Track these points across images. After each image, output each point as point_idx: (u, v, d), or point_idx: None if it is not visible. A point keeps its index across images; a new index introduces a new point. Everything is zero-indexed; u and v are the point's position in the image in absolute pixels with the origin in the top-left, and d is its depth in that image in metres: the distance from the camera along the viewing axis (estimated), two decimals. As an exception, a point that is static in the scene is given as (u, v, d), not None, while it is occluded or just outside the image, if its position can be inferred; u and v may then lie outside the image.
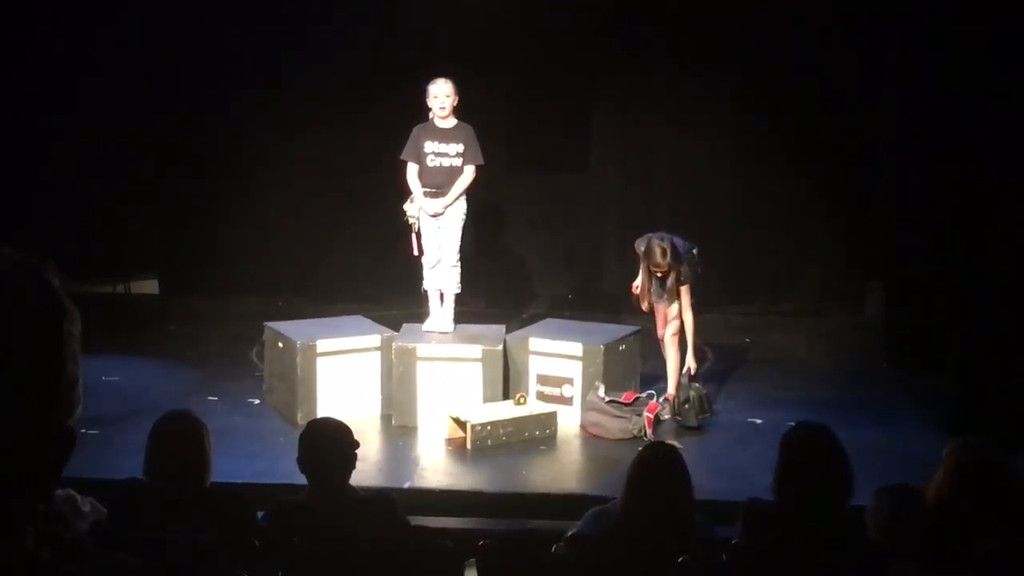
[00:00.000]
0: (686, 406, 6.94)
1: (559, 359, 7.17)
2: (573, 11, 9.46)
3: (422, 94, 7.23)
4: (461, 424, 6.75)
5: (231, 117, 9.72)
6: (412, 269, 7.55)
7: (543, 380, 7.19)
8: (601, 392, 6.90)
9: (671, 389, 7.17)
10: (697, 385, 7.08)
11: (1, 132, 9.23)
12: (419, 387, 7.03)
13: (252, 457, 6.25)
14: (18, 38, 9.23)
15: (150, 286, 10.15)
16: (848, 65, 9.17)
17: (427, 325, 7.37)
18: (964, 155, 7.89)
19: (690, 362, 7.10)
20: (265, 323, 7.54)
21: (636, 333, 7.47)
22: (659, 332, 7.31)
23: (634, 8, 9.44)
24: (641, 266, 7.08)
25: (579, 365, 7.10)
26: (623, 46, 9.50)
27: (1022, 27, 7.54)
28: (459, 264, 7.32)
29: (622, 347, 7.30)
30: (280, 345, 7.23)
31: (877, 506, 3.89)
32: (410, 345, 7.10)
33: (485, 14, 9.32)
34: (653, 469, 3.97)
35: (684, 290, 6.97)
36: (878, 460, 5.84)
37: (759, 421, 7.14)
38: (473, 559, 4.10)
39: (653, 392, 7.08)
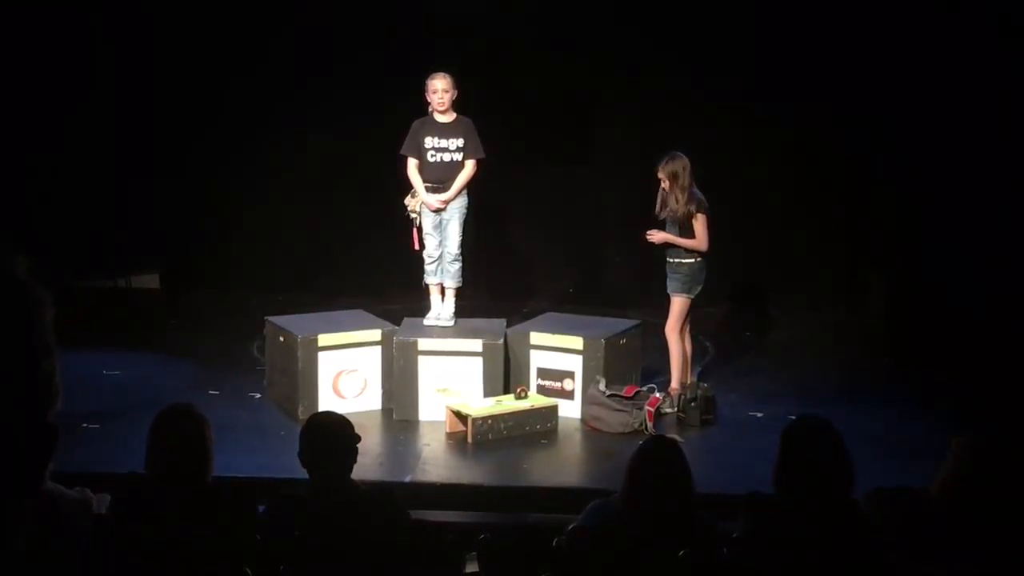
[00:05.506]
0: (692, 404, 6.94)
1: (560, 353, 7.17)
2: (577, 5, 9.45)
3: (421, 88, 7.22)
4: (462, 418, 6.75)
5: (232, 113, 9.73)
6: (413, 263, 7.55)
7: (544, 374, 7.19)
8: (602, 386, 6.90)
9: (674, 383, 7.18)
10: (706, 386, 7.09)
11: (4, 126, 9.22)
12: (420, 381, 7.04)
13: (253, 451, 6.26)
14: (23, 35, 9.22)
15: (152, 280, 10.15)
16: (850, 61, 9.16)
17: (428, 319, 7.38)
18: (966, 152, 7.90)
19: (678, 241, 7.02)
20: (266, 317, 7.54)
21: (637, 327, 7.46)
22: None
23: (639, 4, 9.43)
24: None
25: (580, 359, 7.10)
26: (627, 40, 9.50)
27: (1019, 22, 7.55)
28: (460, 258, 7.32)
29: (623, 341, 7.30)
30: (281, 339, 7.23)
31: (877, 499, 3.89)
32: (411, 339, 7.11)
33: (487, 8, 9.32)
34: (654, 463, 3.96)
35: (699, 218, 6.96)
36: (879, 454, 5.85)
37: (760, 414, 7.15)
38: (474, 553, 4.11)
39: (654, 386, 7.08)
